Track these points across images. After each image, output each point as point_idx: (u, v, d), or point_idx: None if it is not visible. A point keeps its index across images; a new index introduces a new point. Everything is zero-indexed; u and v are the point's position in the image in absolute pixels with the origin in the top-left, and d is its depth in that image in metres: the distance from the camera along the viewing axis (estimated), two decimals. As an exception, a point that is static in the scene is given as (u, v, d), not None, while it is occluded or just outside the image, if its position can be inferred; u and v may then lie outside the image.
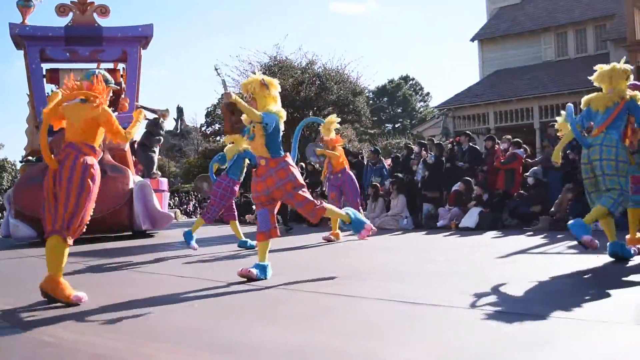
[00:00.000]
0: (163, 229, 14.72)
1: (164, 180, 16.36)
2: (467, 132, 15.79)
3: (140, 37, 16.03)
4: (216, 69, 6.94)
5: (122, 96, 15.34)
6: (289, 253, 9.04)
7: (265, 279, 5.99)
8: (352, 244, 10.04)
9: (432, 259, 7.44)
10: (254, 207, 13.07)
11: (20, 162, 35.47)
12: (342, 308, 4.60)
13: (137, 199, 13.28)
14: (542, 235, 9.75)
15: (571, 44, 25.66)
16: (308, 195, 6.23)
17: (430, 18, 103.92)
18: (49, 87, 15.79)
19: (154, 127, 15.82)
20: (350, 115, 30.44)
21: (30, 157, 17.04)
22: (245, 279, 5.91)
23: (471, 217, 11.90)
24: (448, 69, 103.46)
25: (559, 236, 9.27)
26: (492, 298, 4.55)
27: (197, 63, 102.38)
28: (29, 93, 15.65)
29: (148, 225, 13.76)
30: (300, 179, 6.20)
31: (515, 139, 13.19)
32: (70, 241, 5.02)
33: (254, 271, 5.93)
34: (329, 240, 10.47)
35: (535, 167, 12.48)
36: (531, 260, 7.18)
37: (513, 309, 4.16)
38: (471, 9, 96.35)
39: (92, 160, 5.17)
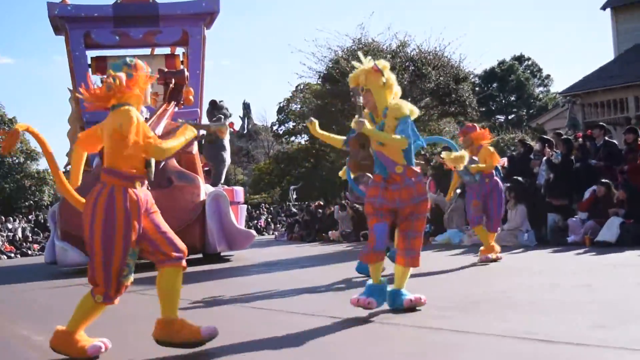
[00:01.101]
0: (242, 250, 14.34)
1: (240, 190, 15.88)
2: (601, 123, 15.44)
3: (204, 13, 15.65)
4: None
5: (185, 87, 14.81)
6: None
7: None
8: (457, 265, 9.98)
9: (562, 284, 7.33)
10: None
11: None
12: (453, 347, 4.58)
13: (210, 213, 12.69)
14: None
15: None
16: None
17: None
18: (95, 79, 15.09)
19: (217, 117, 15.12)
20: (453, 107, 30.14)
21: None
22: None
23: (610, 230, 11.59)
24: (573, 45, 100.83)
25: None
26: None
27: (265, 50, 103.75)
28: (71, 87, 15.58)
29: (224, 246, 13.24)
30: None
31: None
32: (99, 299, 4.77)
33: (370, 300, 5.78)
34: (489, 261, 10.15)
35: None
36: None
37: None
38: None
39: (122, 192, 4.70)
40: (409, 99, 30.22)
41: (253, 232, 14.90)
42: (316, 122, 6.37)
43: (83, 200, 4.79)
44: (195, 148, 13.43)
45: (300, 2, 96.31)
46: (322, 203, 29.35)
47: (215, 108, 15.16)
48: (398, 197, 5.78)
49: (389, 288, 6.00)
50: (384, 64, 6.04)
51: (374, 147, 5.87)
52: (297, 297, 7.86)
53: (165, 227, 4.89)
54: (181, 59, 16.62)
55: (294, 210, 31.99)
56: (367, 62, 6.01)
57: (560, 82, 68.54)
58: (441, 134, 32.12)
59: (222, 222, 12.94)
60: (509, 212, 13.64)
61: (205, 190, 12.91)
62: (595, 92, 24.82)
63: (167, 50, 16.94)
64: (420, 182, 5.88)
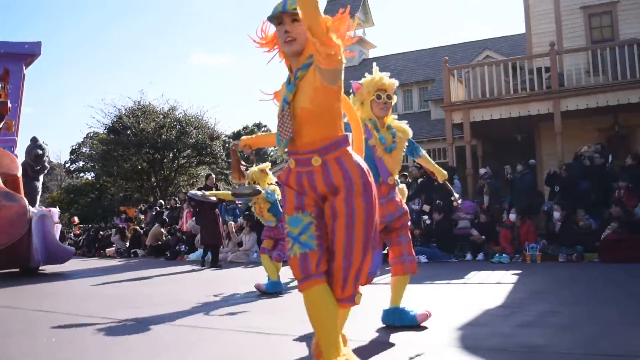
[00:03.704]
0: (57, 265, 12.71)
1: (56, 211, 14.17)
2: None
3: (26, 54, 14.17)
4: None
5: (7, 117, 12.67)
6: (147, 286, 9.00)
7: None
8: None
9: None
10: None
11: None
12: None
13: (36, 231, 11.08)
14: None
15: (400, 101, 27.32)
16: None
17: (279, 68, 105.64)
18: None
19: (36, 156, 13.44)
20: (208, 158, 30.63)
21: None
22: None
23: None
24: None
25: None
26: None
27: (61, 102, 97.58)
28: None
29: (47, 261, 11.72)
30: None
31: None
32: None
33: None
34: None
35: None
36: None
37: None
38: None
39: None
40: (175, 150, 29.98)
41: (72, 248, 13.78)
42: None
43: None
44: (20, 172, 11.69)
45: (95, 69, 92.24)
46: (103, 225, 28.23)
47: (36, 145, 13.92)
48: (387, 210, 4.46)
49: (389, 307, 4.56)
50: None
51: (379, 154, 4.50)
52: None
53: None
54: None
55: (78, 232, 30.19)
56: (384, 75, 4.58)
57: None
58: (198, 178, 32.38)
59: (46, 239, 11.53)
60: (244, 237, 14.13)
61: (29, 209, 11.12)
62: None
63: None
64: (397, 193, 4.61)
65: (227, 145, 43.31)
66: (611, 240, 9.87)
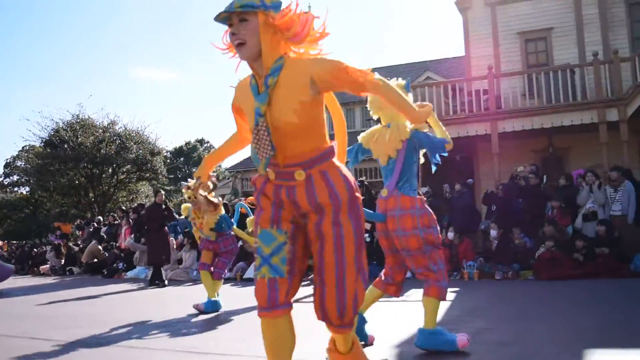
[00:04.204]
0: None
1: None
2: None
3: None
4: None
5: None
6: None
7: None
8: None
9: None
10: None
11: None
12: None
13: None
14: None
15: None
16: None
17: (225, 83, 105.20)
18: None
19: None
20: (148, 173, 30.16)
21: None
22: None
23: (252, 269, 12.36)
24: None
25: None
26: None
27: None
28: None
29: None
30: None
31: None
32: None
33: None
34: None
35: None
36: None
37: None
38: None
39: None
40: (114, 165, 29.38)
41: (12, 266, 13.54)
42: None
43: None
44: None
45: (32, 82, 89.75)
46: (37, 242, 27.35)
47: None
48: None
49: (424, 327, 4.12)
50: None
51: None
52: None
53: None
54: None
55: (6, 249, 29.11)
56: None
57: (227, 161, 70.73)
58: (138, 194, 31.80)
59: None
60: (184, 254, 13.93)
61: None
62: (249, 171, 26.24)
63: None
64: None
65: (168, 161, 42.86)
66: (545, 259, 10.15)
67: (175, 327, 5.85)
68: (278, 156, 2.53)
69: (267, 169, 2.57)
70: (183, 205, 8.37)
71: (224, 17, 2.46)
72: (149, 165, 29.55)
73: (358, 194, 2.62)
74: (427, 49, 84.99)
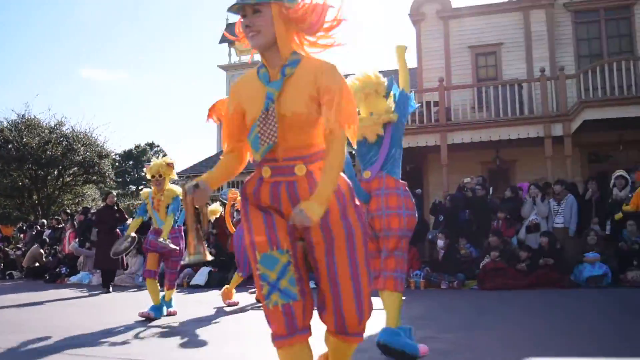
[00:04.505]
0: None
1: None
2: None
3: None
4: None
5: None
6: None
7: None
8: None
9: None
10: None
11: None
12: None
13: None
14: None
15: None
16: None
17: (177, 86, 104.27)
18: None
19: None
20: (95, 176, 29.55)
21: None
22: None
23: (201, 275, 12.26)
24: (190, 138, 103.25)
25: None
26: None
27: None
28: None
29: None
30: None
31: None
32: None
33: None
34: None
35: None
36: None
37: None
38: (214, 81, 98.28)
39: None
40: (60, 167, 28.67)
41: None
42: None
43: None
44: None
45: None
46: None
47: None
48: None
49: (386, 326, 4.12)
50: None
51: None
52: None
53: None
54: None
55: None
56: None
57: (179, 165, 69.75)
58: (84, 197, 31.11)
59: None
60: (130, 260, 13.67)
61: None
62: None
63: None
64: None
65: (116, 164, 42.07)
66: (489, 269, 10.37)
67: (121, 335, 5.76)
68: (278, 149, 2.44)
69: (263, 167, 2.49)
70: (143, 191, 8.17)
71: (237, 8, 2.45)
72: (97, 168, 28.91)
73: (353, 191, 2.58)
74: (380, 59, 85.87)
